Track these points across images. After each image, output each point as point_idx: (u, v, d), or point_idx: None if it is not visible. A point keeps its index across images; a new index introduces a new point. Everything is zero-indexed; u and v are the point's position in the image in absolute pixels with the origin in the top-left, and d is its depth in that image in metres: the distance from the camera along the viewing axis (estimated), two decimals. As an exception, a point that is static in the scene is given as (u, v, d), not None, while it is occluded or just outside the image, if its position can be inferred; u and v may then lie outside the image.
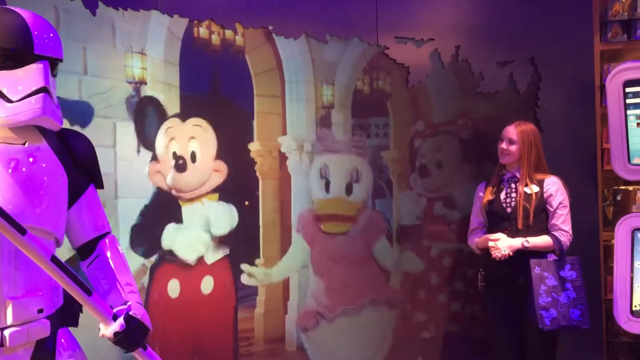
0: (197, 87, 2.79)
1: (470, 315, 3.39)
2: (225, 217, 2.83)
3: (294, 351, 3.01)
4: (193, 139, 2.78)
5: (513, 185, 2.98)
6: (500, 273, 2.95)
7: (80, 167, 1.78)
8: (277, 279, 2.98)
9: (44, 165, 1.67)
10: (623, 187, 3.59)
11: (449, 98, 3.34)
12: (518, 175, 2.99)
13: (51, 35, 1.65)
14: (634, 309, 2.94)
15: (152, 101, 2.67)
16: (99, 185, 1.86)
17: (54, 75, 1.69)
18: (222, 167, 2.84)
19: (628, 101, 2.89)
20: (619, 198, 3.63)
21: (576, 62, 3.42)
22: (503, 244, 2.87)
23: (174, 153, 2.73)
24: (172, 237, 2.72)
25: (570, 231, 2.92)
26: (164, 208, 2.70)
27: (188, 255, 2.75)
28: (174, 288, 2.72)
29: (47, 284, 1.64)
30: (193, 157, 2.78)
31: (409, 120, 3.29)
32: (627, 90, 2.88)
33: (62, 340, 1.71)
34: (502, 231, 2.94)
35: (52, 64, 1.66)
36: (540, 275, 2.83)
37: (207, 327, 2.80)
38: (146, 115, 2.66)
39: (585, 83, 3.43)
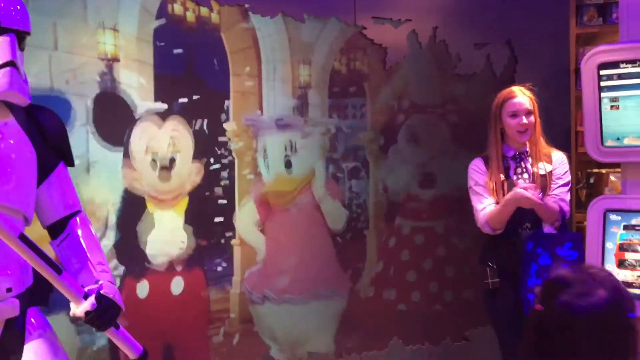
0: (171, 66, 2.74)
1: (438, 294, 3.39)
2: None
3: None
4: (172, 146, 2.72)
5: (523, 164, 2.69)
6: (513, 261, 2.60)
7: (50, 144, 1.75)
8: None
9: (11, 141, 1.63)
10: (596, 170, 3.64)
11: (426, 79, 3.33)
12: (526, 152, 2.68)
13: (18, 7, 1.61)
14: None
15: (122, 93, 2.60)
16: (69, 162, 1.83)
17: (22, 49, 1.64)
18: (199, 169, 2.80)
19: (602, 84, 2.90)
20: (592, 181, 3.69)
21: (552, 45, 3.44)
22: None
23: (154, 160, 2.67)
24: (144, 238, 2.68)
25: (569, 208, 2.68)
26: (135, 210, 2.65)
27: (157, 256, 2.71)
28: (142, 289, 2.69)
29: (16, 263, 1.61)
30: (172, 164, 2.72)
31: (386, 101, 3.28)
32: (602, 73, 2.89)
33: (32, 319, 1.69)
34: (523, 219, 2.62)
35: (20, 37, 1.62)
36: (532, 252, 2.55)
37: (179, 312, 2.77)
38: (117, 107, 2.59)
39: (560, 66, 3.45)
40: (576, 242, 2.56)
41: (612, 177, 3.57)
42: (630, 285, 2.82)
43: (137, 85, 2.64)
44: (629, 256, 2.84)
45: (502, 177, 2.66)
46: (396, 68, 3.28)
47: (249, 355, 2.97)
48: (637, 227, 2.86)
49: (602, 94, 2.93)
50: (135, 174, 2.64)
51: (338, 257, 3.18)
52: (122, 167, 2.60)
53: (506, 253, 2.67)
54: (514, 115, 2.67)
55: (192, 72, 2.80)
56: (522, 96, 2.70)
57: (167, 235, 2.71)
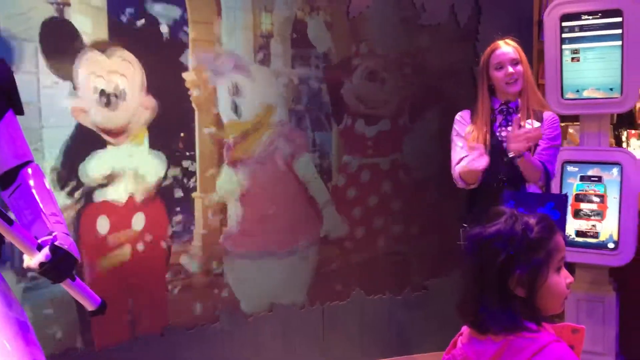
0: (126, 11, 2.63)
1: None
2: (155, 158, 2.75)
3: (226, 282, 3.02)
4: (119, 75, 2.62)
5: (509, 118, 2.58)
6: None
7: (-4, 91, 1.66)
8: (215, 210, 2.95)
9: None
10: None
11: (390, 30, 3.28)
12: (516, 105, 2.58)
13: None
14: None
15: (71, 27, 2.49)
16: (19, 110, 1.75)
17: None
18: (151, 103, 2.72)
19: (564, 35, 2.91)
20: (551, 134, 3.74)
21: (515, -5, 3.43)
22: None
23: (100, 90, 2.57)
24: (100, 175, 2.62)
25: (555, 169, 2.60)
26: (89, 146, 2.58)
27: (118, 195, 2.67)
28: (103, 225, 2.65)
29: (-37, 214, 1.55)
30: (120, 94, 2.63)
31: (350, 52, 3.23)
32: (564, 24, 2.90)
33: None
34: (497, 170, 2.52)
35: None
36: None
37: (140, 263, 2.75)
38: (64, 42, 2.49)
39: (524, 18, 3.44)
40: (559, 202, 2.45)
41: (570, 130, 3.63)
42: (584, 234, 2.90)
43: (90, 32, 2.54)
44: (584, 206, 2.92)
45: (485, 129, 2.57)
46: (360, 18, 3.22)
47: (213, 307, 2.97)
48: (592, 178, 2.93)
49: (564, 46, 2.95)
50: (84, 106, 2.56)
51: (304, 210, 3.18)
52: (70, 100, 2.52)
53: (485, 204, 2.45)
54: (500, 67, 2.58)
55: (148, 19, 2.69)
56: (505, 46, 2.61)
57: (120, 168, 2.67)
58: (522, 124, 2.51)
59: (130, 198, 2.70)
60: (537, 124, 2.53)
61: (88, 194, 2.60)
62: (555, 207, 2.44)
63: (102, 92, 2.60)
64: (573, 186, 2.95)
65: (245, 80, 2.98)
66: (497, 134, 2.59)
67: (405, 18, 3.31)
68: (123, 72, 2.64)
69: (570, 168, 2.99)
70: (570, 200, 2.90)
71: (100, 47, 2.58)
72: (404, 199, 3.38)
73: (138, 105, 2.69)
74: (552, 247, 1.28)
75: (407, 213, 3.40)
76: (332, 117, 3.20)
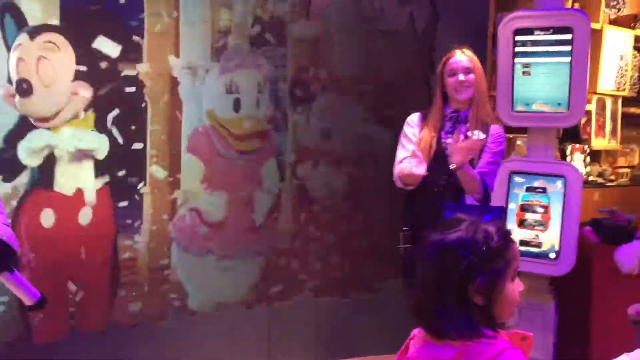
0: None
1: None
2: (102, 144, 2.68)
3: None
4: (44, 59, 2.53)
5: (457, 126, 2.66)
6: (427, 214, 2.56)
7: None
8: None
9: None
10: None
11: (348, 32, 3.30)
12: (465, 115, 2.67)
13: None
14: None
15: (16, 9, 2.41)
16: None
17: None
18: (83, 88, 2.64)
19: (517, 49, 2.98)
20: (500, 144, 3.82)
21: (472, 7, 3.49)
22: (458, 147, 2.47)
23: (19, 76, 2.49)
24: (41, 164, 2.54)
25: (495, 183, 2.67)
26: (24, 133, 2.52)
27: (64, 186, 2.59)
28: (47, 217, 2.56)
29: None
30: (43, 80, 2.54)
31: (307, 53, 3.22)
32: (517, 38, 2.97)
33: None
34: (437, 176, 2.61)
35: None
36: None
37: (83, 257, 2.68)
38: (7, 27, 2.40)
39: (479, 29, 3.52)
40: (496, 214, 2.34)
41: (518, 142, 3.72)
42: (527, 243, 2.98)
43: (41, 17, 2.46)
44: (529, 216, 2.99)
45: (433, 134, 2.66)
46: (320, 19, 3.22)
47: (158, 304, 2.92)
48: (538, 190, 3.00)
49: (516, 60, 3.01)
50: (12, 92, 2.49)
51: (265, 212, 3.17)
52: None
53: (423, 217, 2.65)
54: (453, 73, 2.68)
55: (103, 6, 2.62)
56: (460, 55, 2.72)
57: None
58: (468, 134, 2.57)
59: (77, 190, 2.63)
60: (482, 136, 2.59)
61: (29, 183, 2.52)
62: (492, 218, 2.43)
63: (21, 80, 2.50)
64: (519, 196, 3.02)
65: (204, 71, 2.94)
66: (443, 140, 2.66)
67: (365, 22, 3.33)
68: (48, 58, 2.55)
69: (517, 179, 3.05)
70: (516, 210, 2.97)
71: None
72: (353, 200, 3.40)
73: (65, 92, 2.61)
74: (510, 256, 1.30)
75: (355, 215, 3.42)
76: (288, 117, 3.20)
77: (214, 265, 3.06)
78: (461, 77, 2.66)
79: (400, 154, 2.73)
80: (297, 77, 3.20)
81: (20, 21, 2.45)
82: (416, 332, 1.37)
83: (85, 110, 2.65)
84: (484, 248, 1.26)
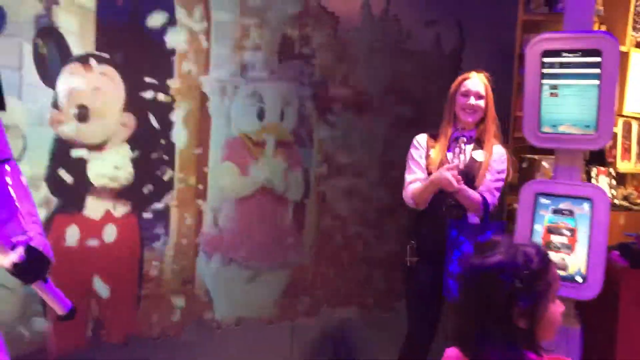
0: (115, 15, 2.61)
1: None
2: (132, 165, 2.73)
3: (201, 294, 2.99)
4: (98, 90, 2.60)
5: (464, 147, 2.76)
6: (433, 240, 2.69)
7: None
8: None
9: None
10: (529, 156, 3.76)
11: (375, 52, 3.33)
12: (472, 136, 2.76)
13: None
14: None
15: (58, 34, 2.47)
16: (1, 106, 1.72)
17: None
18: (130, 120, 2.70)
19: (544, 71, 2.98)
20: (524, 166, 3.82)
21: (499, 29, 3.51)
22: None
23: (78, 103, 2.56)
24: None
25: (497, 201, 2.76)
26: (66, 157, 2.57)
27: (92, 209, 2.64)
28: (72, 234, 2.61)
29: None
30: (97, 109, 2.61)
31: (334, 72, 3.25)
32: (545, 60, 2.97)
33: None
34: (445, 196, 2.67)
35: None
36: (456, 239, 2.61)
37: (108, 269, 2.71)
38: (50, 51, 2.47)
39: (505, 50, 3.53)
40: (497, 230, 2.65)
41: (544, 163, 3.70)
42: (554, 266, 2.95)
43: (77, 32, 2.51)
44: (555, 239, 2.97)
45: (444, 154, 2.75)
46: (348, 39, 3.26)
47: (180, 318, 2.93)
48: (564, 212, 2.98)
49: (543, 81, 3.02)
50: (61, 117, 2.53)
51: (288, 226, 3.17)
52: (51, 110, 2.51)
53: (428, 233, 2.76)
54: (465, 95, 2.77)
55: (136, 23, 2.68)
56: (476, 79, 2.80)
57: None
58: (472, 154, 2.70)
59: (105, 205, 2.67)
60: (484, 157, 2.70)
61: (61, 202, 2.56)
62: (494, 234, 2.46)
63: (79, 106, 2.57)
64: (545, 218, 3.00)
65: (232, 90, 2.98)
66: (449, 160, 2.74)
67: (391, 42, 3.35)
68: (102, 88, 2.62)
69: (543, 200, 3.04)
70: (542, 232, 2.95)
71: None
72: (379, 216, 3.40)
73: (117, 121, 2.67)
74: (550, 278, 1.29)
75: (381, 231, 3.42)
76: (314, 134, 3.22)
77: (236, 279, 3.07)
78: (472, 101, 2.75)
79: (409, 176, 2.81)
80: (323, 94, 3.22)
81: (62, 47, 2.49)
82: (451, 353, 1.35)
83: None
84: (526, 271, 1.25)
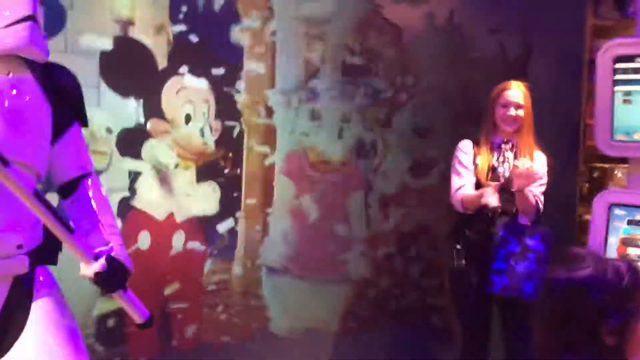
0: (187, 33, 2.71)
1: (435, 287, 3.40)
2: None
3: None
4: (205, 102, 2.74)
5: (506, 154, 2.80)
6: (480, 242, 2.72)
7: (65, 103, 1.72)
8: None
9: (27, 98, 1.61)
10: (599, 165, 3.63)
11: (439, 62, 3.31)
12: (512, 144, 2.80)
13: (39, -39, 1.58)
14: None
15: (140, 46, 2.59)
16: (84, 122, 1.81)
17: (42, 4, 1.62)
18: (219, 126, 2.82)
19: (616, 77, 2.88)
20: (595, 175, 3.69)
21: (567, 35, 3.41)
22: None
23: (186, 114, 2.72)
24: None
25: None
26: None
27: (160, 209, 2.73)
28: (144, 239, 2.70)
29: (27, 220, 1.60)
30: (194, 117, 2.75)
31: (398, 82, 3.25)
32: (617, 66, 2.87)
33: (40, 277, 1.68)
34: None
35: (40, -9, 1.59)
36: (504, 238, 2.67)
37: (178, 278, 2.78)
38: (136, 63, 2.58)
39: (574, 57, 3.43)
40: (545, 236, 2.69)
41: (616, 172, 3.57)
42: (630, 279, 2.83)
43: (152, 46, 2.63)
44: (631, 251, 2.85)
45: (490, 161, 2.78)
46: (411, 49, 3.25)
47: (247, 326, 2.98)
48: (640, 223, 2.86)
49: (616, 88, 2.91)
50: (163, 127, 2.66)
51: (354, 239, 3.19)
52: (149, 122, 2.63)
53: (476, 236, 2.76)
54: (505, 105, 2.78)
55: (206, 43, 2.77)
56: (516, 90, 2.80)
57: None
58: (516, 162, 2.70)
59: (172, 214, 2.75)
60: (528, 163, 2.70)
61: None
62: (541, 239, 2.67)
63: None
64: (620, 230, 2.89)
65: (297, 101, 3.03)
66: (496, 167, 2.78)
67: (455, 52, 3.32)
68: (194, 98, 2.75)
69: (617, 211, 2.92)
70: (617, 244, 2.85)
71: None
72: (441, 231, 3.36)
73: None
74: None
75: (443, 246, 3.37)
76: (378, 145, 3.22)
77: (303, 290, 3.10)
78: (512, 111, 2.77)
79: (459, 180, 2.81)
80: (387, 105, 3.22)
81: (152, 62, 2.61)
82: None
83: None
84: (617, 288, 1.21)
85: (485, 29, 3.35)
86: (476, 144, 2.85)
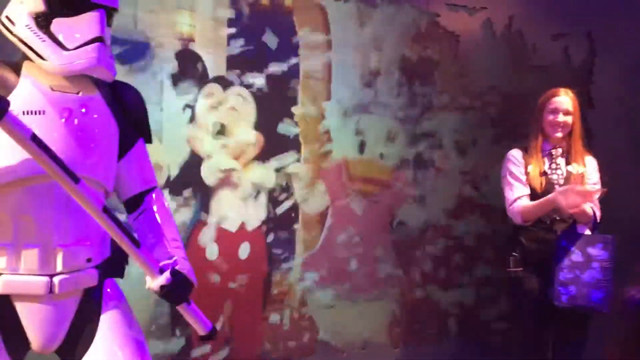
0: (243, 48, 2.75)
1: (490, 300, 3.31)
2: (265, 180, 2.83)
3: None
4: (234, 109, 2.75)
5: (558, 161, 2.78)
6: (539, 250, 2.74)
7: (131, 120, 1.77)
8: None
9: (96, 116, 1.66)
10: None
11: (500, 70, 3.24)
12: (562, 149, 2.79)
13: (107, -16, 1.63)
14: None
15: (198, 59, 2.65)
16: (148, 139, 1.85)
17: (109, 25, 1.67)
18: (260, 138, 2.82)
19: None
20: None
21: (633, 38, 3.29)
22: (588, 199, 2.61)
23: (215, 121, 2.72)
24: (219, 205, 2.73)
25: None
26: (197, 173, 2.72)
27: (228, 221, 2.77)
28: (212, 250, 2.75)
29: (96, 234, 1.64)
30: (231, 127, 2.75)
31: (456, 92, 3.20)
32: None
33: (109, 290, 1.72)
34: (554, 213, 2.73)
35: (108, 13, 1.64)
36: (566, 249, 2.68)
37: (239, 291, 2.81)
38: (189, 74, 2.64)
39: (639, 63, 3.30)
40: (607, 244, 2.68)
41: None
42: None
43: (210, 65, 2.68)
44: None
45: (541, 169, 2.75)
46: (469, 58, 3.20)
47: (308, 341, 2.98)
48: None
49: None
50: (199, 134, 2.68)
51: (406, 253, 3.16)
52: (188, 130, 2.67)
53: (534, 244, 2.75)
54: (554, 112, 2.76)
55: (263, 55, 2.80)
56: (564, 96, 2.77)
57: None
58: (569, 168, 2.73)
59: (240, 225, 2.79)
60: (581, 169, 2.73)
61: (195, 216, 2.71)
62: (603, 247, 2.67)
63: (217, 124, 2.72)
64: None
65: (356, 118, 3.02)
66: (549, 174, 2.75)
67: (516, 59, 3.25)
68: (237, 108, 2.77)
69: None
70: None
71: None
72: (489, 246, 3.28)
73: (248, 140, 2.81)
74: None
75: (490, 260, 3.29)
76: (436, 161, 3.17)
77: (361, 304, 3.07)
78: (561, 117, 2.74)
79: (514, 192, 2.79)
80: (444, 116, 3.18)
81: (196, 69, 2.67)
82: None
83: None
84: None
85: (547, 34, 3.27)
86: (525, 152, 2.83)
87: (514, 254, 2.79)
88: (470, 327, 3.29)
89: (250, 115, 2.79)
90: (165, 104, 2.58)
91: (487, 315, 3.31)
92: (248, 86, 2.77)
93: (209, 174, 2.72)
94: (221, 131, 2.72)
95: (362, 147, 3.03)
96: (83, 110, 1.64)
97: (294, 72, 2.87)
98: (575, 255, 2.68)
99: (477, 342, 3.29)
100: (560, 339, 2.80)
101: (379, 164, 3.08)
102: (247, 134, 2.78)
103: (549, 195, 2.67)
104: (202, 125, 2.69)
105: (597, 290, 2.63)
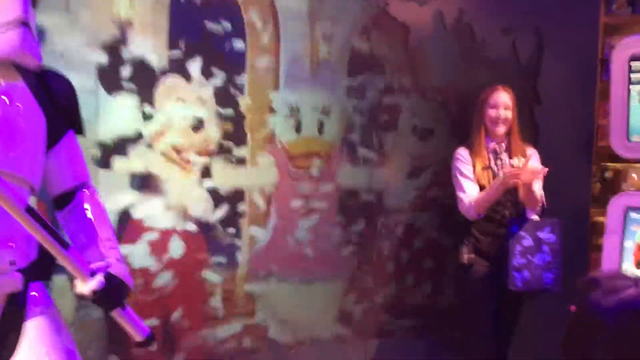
0: (187, 34, 2.62)
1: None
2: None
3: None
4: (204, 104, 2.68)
5: (502, 156, 2.92)
6: (491, 239, 2.86)
7: (60, 110, 1.64)
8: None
9: (19, 105, 1.53)
10: (611, 165, 3.53)
11: (449, 63, 3.21)
12: (504, 145, 2.91)
13: (31, -38, 1.50)
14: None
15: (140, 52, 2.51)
16: (80, 130, 1.73)
17: (34, 7, 1.54)
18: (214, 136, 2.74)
19: (632, 76, 2.79)
20: (607, 176, 3.59)
21: (580, 34, 3.32)
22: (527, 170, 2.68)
23: (185, 115, 2.63)
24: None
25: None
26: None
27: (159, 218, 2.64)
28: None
29: (20, 236, 1.51)
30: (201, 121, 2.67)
31: (405, 83, 3.16)
32: (632, 65, 2.79)
33: (34, 294, 1.59)
34: (503, 206, 2.86)
35: (33, -6, 1.51)
36: (517, 235, 2.79)
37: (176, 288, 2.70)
38: (135, 66, 2.50)
39: (587, 56, 3.33)
40: (554, 227, 2.84)
41: (633, 175, 3.47)
42: (648, 286, 2.74)
43: (151, 51, 2.54)
44: (649, 256, 2.77)
45: (486, 163, 2.87)
46: (419, 49, 3.16)
47: (251, 337, 2.90)
48: (659, 227, 2.78)
49: (632, 87, 2.83)
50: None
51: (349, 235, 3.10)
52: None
53: (484, 232, 2.88)
54: (494, 107, 2.88)
55: (208, 42, 2.68)
56: (503, 92, 2.90)
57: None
58: (512, 162, 2.79)
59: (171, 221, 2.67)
60: (524, 160, 2.76)
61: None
62: (551, 230, 2.82)
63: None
64: (636, 234, 2.80)
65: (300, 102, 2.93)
66: (495, 171, 2.87)
67: (466, 52, 3.23)
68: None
69: (633, 215, 2.84)
70: (634, 248, 2.76)
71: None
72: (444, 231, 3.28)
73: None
74: None
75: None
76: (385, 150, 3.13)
77: (307, 295, 3.00)
78: (502, 112, 2.87)
79: (464, 189, 2.86)
80: (392, 107, 3.13)
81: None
82: None
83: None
84: None
85: (497, 28, 3.26)
86: (470, 149, 2.91)
87: (465, 241, 2.89)
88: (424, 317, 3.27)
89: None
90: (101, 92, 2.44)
91: (441, 304, 3.31)
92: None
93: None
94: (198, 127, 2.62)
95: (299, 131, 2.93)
96: (6, 99, 1.51)
97: (239, 62, 2.75)
98: (526, 240, 2.79)
99: (431, 330, 3.29)
100: (508, 324, 2.91)
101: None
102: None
103: (496, 180, 2.79)
104: (168, 121, 2.59)
105: (549, 271, 2.77)
